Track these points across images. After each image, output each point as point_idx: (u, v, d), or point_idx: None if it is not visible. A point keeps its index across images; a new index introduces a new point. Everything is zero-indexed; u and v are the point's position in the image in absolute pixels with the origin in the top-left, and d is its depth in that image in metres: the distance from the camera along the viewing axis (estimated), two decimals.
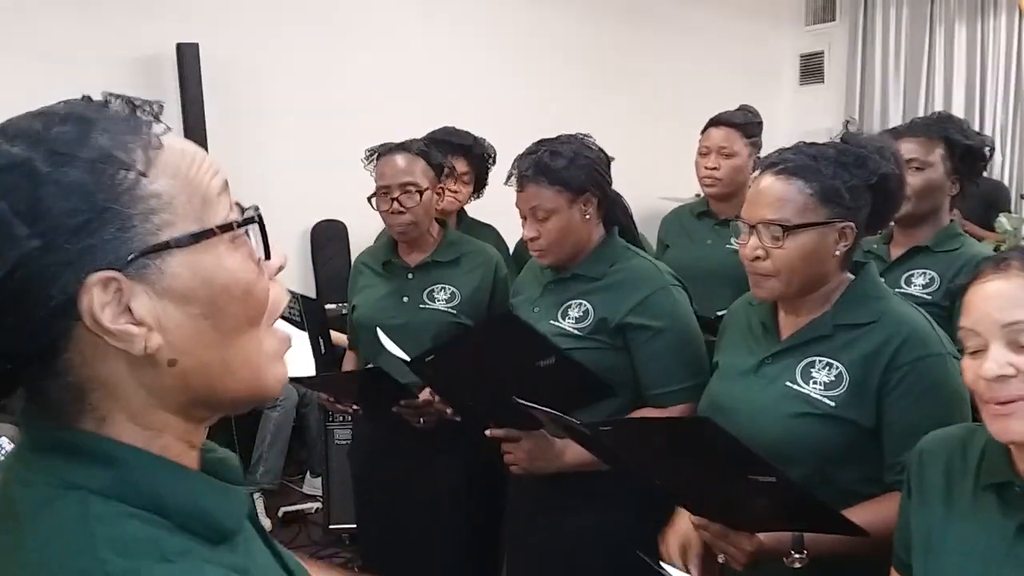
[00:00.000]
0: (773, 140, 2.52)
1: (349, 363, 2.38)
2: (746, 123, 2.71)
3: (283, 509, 3.69)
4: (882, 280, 1.52)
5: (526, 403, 1.42)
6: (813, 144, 1.48)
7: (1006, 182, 5.05)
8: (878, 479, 1.39)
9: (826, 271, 1.44)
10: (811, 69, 6.28)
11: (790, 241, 1.40)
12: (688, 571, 1.42)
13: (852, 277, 1.49)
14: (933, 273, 2.07)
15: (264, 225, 0.65)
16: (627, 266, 1.77)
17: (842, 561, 1.31)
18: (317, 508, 3.68)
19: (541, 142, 1.81)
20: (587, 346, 1.70)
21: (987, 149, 2.12)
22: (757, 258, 1.43)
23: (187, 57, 3.84)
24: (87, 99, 0.61)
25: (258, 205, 0.66)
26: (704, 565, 1.44)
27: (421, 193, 2.09)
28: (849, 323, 1.43)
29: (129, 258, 0.57)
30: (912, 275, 2.09)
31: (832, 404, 1.39)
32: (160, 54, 3.89)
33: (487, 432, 1.72)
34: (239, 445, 3.39)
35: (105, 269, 0.56)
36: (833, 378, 1.40)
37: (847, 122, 1.64)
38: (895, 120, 5.69)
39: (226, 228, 0.62)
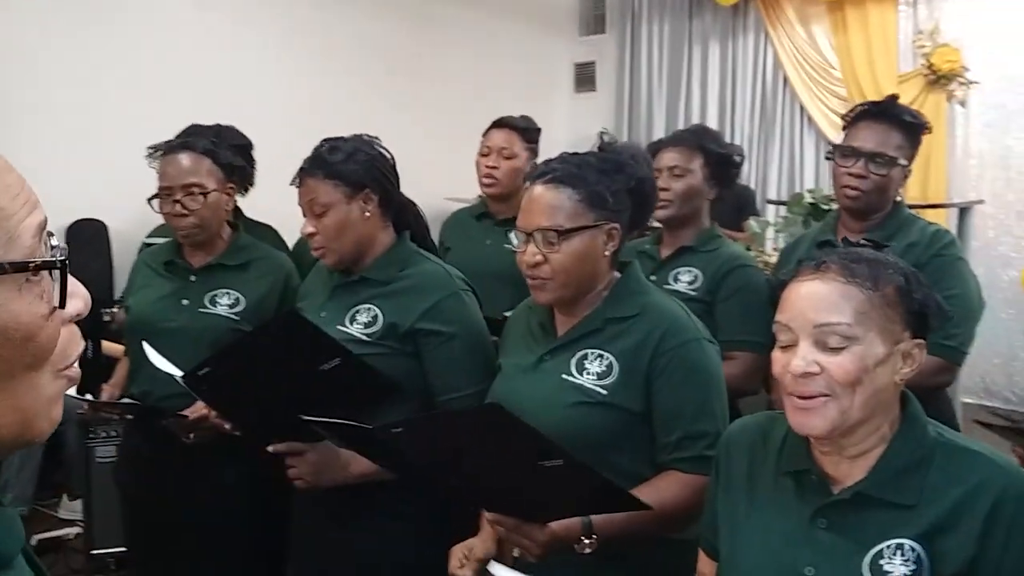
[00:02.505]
0: (552, 143, 2.64)
1: (122, 369, 2.19)
2: (527, 128, 2.81)
3: (37, 536, 3.33)
4: (645, 277, 1.63)
5: (312, 419, 1.37)
6: (576, 154, 1.57)
7: (753, 187, 5.57)
8: (652, 461, 1.49)
9: (598, 271, 1.53)
10: (585, 78, 6.60)
11: (565, 245, 1.48)
12: None
13: (619, 275, 1.59)
14: (696, 271, 2.25)
15: (66, 270, 0.60)
16: (417, 271, 1.76)
17: (628, 542, 1.39)
18: (77, 533, 3.36)
19: (325, 140, 1.77)
20: (376, 352, 1.67)
21: (737, 157, 2.35)
22: (536, 264, 1.50)
23: None
24: None
25: (67, 248, 0.61)
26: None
27: (206, 195, 1.97)
28: (617, 316, 1.52)
29: None
30: (679, 273, 2.26)
31: (604, 392, 1.47)
32: None
33: (269, 448, 1.64)
34: None
35: None
36: (605, 368, 1.48)
37: (602, 133, 1.76)
38: (659, 127, 6.13)
39: (20, 267, 0.57)
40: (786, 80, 5.60)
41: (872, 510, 1.10)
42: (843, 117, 2.17)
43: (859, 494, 1.10)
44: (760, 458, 1.23)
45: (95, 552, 3.09)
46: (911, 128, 2.06)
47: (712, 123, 5.97)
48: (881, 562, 1.07)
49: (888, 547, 1.07)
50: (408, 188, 1.89)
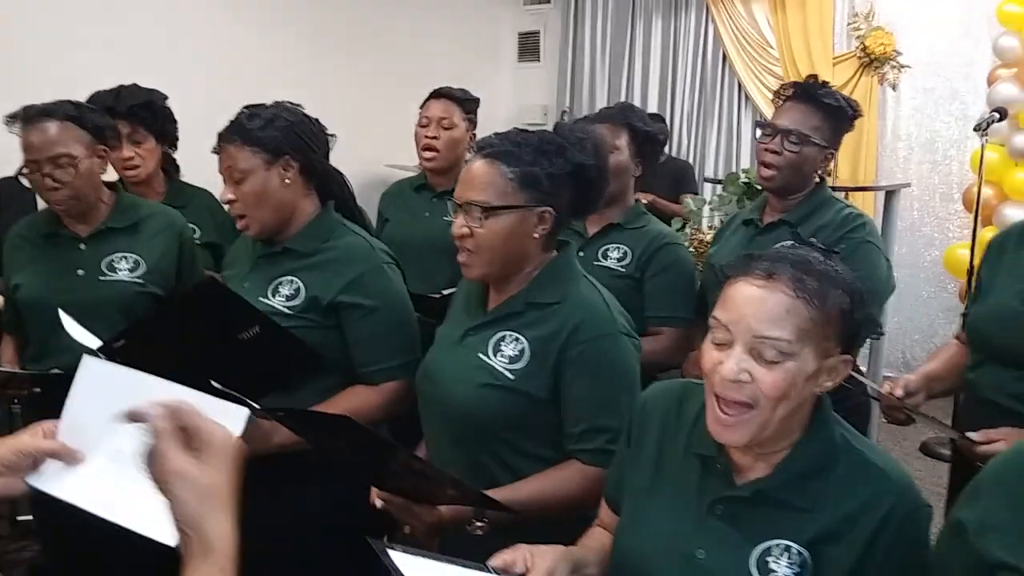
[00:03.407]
0: (494, 113, 2.64)
1: (8, 352, 2.10)
2: (465, 98, 2.80)
3: None
4: (577, 261, 1.62)
5: (223, 388, 1.38)
6: (524, 131, 1.56)
7: (692, 163, 5.64)
8: (558, 445, 1.51)
9: (526, 252, 1.53)
10: (528, 48, 6.56)
11: (491, 222, 1.48)
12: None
13: (554, 256, 1.58)
14: (626, 248, 2.29)
15: None
16: (340, 243, 1.76)
17: (520, 524, 1.41)
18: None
19: (246, 106, 1.75)
20: (298, 324, 1.67)
21: (662, 135, 2.38)
22: (462, 236, 1.50)
23: None
24: None
25: None
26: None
27: (76, 164, 1.90)
28: (538, 302, 1.53)
29: None
30: (608, 249, 2.30)
31: (512, 377, 1.49)
32: None
33: None
34: None
35: None
36: (517, 352, 1.50)
37: (563, 112, 1.77)
38: (601, 100, 6.14)
39: None
40: (726, 57, 5.65)
41: (768, 508, 1.12)
42: (773, 97, 2.23)
43: (759, 492, 1.13)
44: (672, 430, 1.25)
45: (20, 519, 3.05)
46: (831, 110, 2.11)
47: (653, 98, 6.01)
48: (768, 559, 1.10)
49: (777, 546, 1.09)
50: (349, 155, 1.88)
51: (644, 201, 4.61)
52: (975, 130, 3.74)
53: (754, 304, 1.08)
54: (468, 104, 2.80)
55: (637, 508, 1.24)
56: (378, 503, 1.48)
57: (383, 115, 4.87)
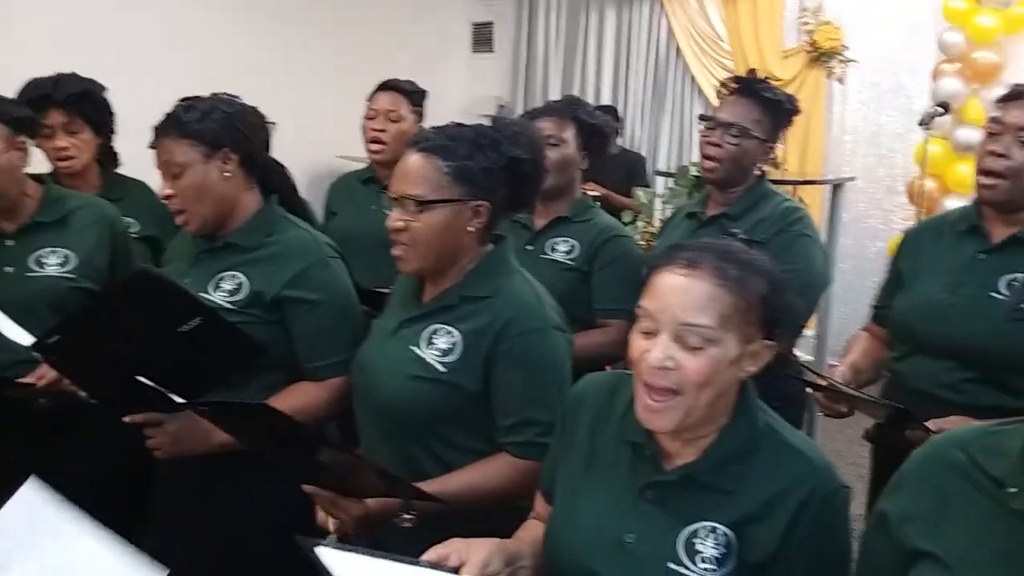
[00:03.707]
0: (448, 104, 2.62)
1: None
2: (412, 91, 2.78)
3: None
4: (512, 256, 1.62)
5: (150, 384, 1.35)
6: (460, 125, 1.56)
7: (645, 155, 5.67)
8: (489, 438, 1.52)
9: (460, 246, 1.53)
10: (482, 38, 6.53)
11: (426, 216, 1.48)
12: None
13: (490, 250, 1.59)
14: (573, 241, 2.29)
15: None
16: (284, 237, 1.73)
17: (450, 516, 1.41)
18: None
19: (183, 98, 1.71)
20: (241, 320, 1.64)
21: (608, 128, 2.40)
22: (397, 230, 1.50)
23: None
24: None
25: None
26: None
27: None
28: (472, 295, 1.53)
29: None
30: (555, 243, 2.31)
31: (443, 369, 1.49)
32: None
33: (125, 418, 1.59)
34: None
35: None
36: (450, 345, 1.50)
37: (501, 106, 1.76)
38: (555, 91, 6.15)
39: None
40: (679, 51, 5.70)
41: (695, 491, 1.16)
42: (717, 91, 2.25)
43: (687, 476, 1.16)
44: (604, 420, 1.28)
45: None
46: (771, 104, 2.15)
47: (607, 90, 6.04)
48: (695, 540, 1.13)
49: (703, 528, 1.13)
50: (301, 145, 1.85)
51: (597, 194, 4.67)
52: (919, 124, 3.82)
53: (678, 293, 1.12)
54: (416, 96, 2.78)
55: (569, 497, 1.26)
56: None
57: (335, 105, 4.80)
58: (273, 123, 1.81)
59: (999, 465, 0.97)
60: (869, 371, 1.98)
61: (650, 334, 1.13)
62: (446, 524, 1.26)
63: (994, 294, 1.77)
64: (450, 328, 1.51)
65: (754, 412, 1.19)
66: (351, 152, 4.74)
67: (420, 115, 2.77)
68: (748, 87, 2.16)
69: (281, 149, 1.84)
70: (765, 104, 2.14)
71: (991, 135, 1.79)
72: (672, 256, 1.15)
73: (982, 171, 1.79)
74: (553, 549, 1.25)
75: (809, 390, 1.84)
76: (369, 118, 2.70)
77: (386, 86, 2.75)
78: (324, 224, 2.72)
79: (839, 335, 5.07)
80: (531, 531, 1.34)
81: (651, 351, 1.12)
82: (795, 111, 2.21)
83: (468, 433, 1.52)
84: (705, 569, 1.11)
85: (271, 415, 1.32)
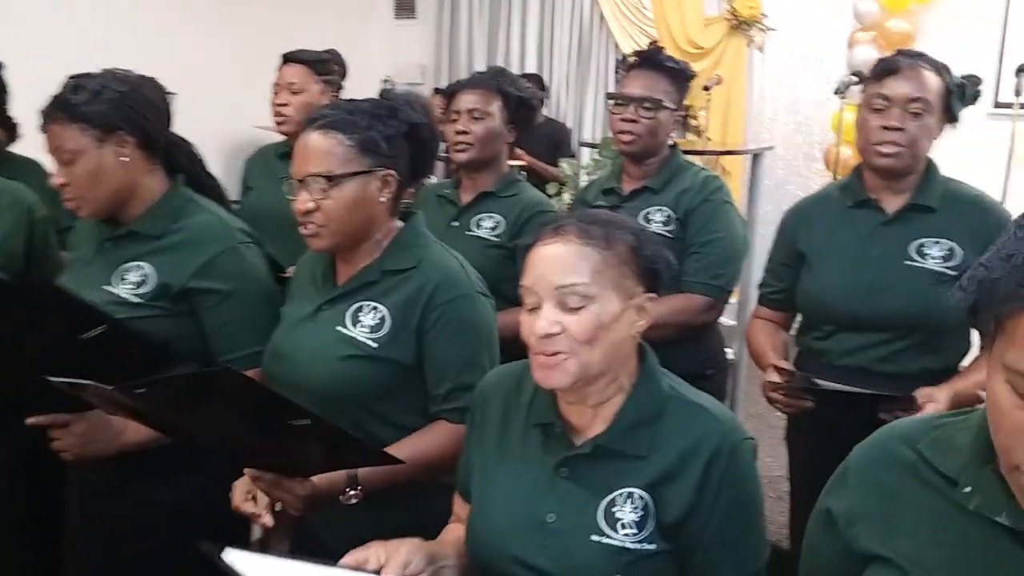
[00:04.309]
0: (370, 72, 2.55)
1: None
2: (318, 60, 2.70)
3: None
4: (425, 228, 1.61)
5: (61, 380, 1.27)
6: (353, 100, 1.55)
7: (570, 126, 5.66)
8: (424, 411, 1.52)
9: (373, 218, 1.52)
10: (405, 4, 6.40)
11: (336, 192, 1.46)
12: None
13: (402, 225, 1.58)
14: (499, 217, 2.27)
15: None
16: (191, 223, 1.63)
17: (394, 490, 1.43)
18: None
19: (71, 77, 1.58)
20: (147, 314, 1.56)
21: (535, 100, 2.36)
22: (308, 211, 1.47)
23: None
24: None
25: None
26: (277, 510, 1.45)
27: None
28: (393, 269, 1.52)
29: None
30: (481, 219, 2.27)
31: (375, 345, 1.48)
32: None
33: (27, 420, 1.49)
34: None
35: None
36: (378, 321, 1.49)
37: (384, 81, 1.72)
38: (480, 60, 6.07)
39: None
40: (602, 19, 5.67)
41: (608, 461, 1.18)
42: (616, 70, 2.26)
43: (598, 447, 1.18)
44: (513, 408, 1.29)
45: None
46: (675, 74, 2.20)
47: (531, 59, 5.98)
48: (614, 509, 1.16)
49: (620, 495, 1.16)
50: (218, 115, 1.76)
51: (523, 164, 4.64)
52: (835, 92, 3.89)
53: (549, 260, 1.16)
54: (321, 66, 2.71)
55: (486, 488, 1.27)
56: (249, 479, 1.40)
57: (254, 76, 4.59)
58: (174, 93, 1.70)
59: (950, 462, 0.92)
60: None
61: (535, 309, 1.16)
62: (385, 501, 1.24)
63: (909, 262, 1.81)
64: (375, 304, 1.50)
65: (657, 377, 1.22)
66: (270, 122, 4.61)
67: (332, 84, 2.70)
68: (652, 59, 2.20)
69: (196, 120, 1.75)
70: (671, 74, 2.19)
71: (876, 111, 1.81)
72: (539, 232, 1.20)
73: (877, 143, 1.81)
74: (476, 540, 1.25)
75: (772, 394, 1.82)
76: (275, 92, 2.66)
77: (287, 58, 2.70)
78: (241, 198, 2.63)
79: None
80: (453, 533, 1.34)
81: (536, 322, 1.15)
82: (691, 76, 2.27)
83: (404, 409, 1.51)
84: (626, 535, 1.14)
85: (234, 378, 1.20)
